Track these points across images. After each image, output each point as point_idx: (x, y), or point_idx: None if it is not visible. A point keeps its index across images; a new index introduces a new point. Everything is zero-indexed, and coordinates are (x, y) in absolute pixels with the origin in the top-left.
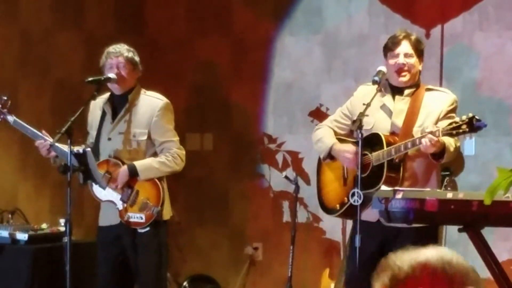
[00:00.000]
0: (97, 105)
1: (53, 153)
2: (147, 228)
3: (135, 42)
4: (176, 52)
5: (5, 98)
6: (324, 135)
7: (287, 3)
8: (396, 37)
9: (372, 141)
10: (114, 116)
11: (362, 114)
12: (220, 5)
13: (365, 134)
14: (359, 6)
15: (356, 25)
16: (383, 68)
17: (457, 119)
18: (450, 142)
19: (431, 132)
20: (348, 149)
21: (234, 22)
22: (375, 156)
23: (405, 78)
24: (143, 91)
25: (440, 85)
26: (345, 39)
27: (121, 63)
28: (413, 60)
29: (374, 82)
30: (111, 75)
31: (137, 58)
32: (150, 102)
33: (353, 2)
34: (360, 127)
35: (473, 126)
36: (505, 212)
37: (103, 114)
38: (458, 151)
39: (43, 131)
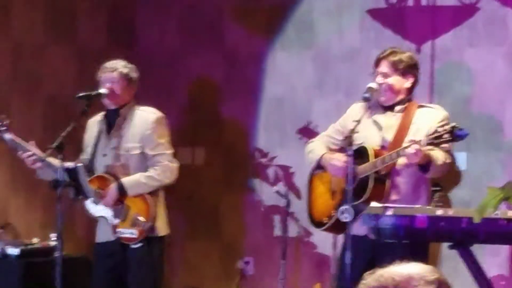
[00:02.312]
0: (94, 122)
1: (38, 164)
2: (140, 244)
3: (127, 57)
4: (168, 66)
5: (4, 116)
6: (316, 147)
7: (279, 18)
8: (377, 57)
9: (360, 154)
10: (109, 132)
11: (352, 131)
12: (211, 20)
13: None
14: (350, 21)
15: (347, 41)
16: (373, 85)
17: (439, 128)
18: (437, 156)
19: (415, 142)
20: (336, 157)
21: (226, 37)
22: (360, 169)
23: (382, 97)
24: (137, 106)
25: (431, 100)
26: (337, 54)
27: (114, 78)
28: (391, 79)
29: (365, 99)
30: (102, 90)
31: (133, 75)
32: (143, 116)
33: (345, 18)
34: (350, 144)
35: (455, 135)
36: (494, 229)
37: (99, 131)
38: (448, 167)
39: (31, 142)
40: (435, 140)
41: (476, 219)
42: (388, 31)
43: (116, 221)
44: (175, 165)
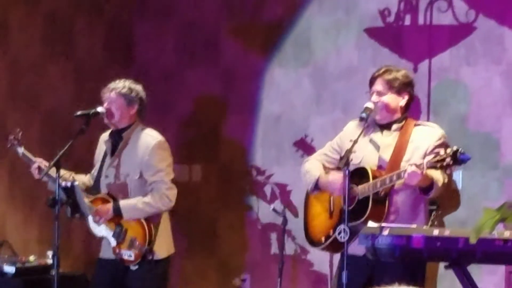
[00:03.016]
0: (103, 139)
1: (44, 178)
2: (137, 266)
3: (124, 73)
4: (165, 83)
5: (18, 129)
6: (312, 167)
7: (276, 35)
8: (372, 76)
9: (359, 175)
10: (112, 153)
11: (349, 151)
12: (209, 37)
13: (352, 169)
14: (347, 39)
15: (344, 58)
16: (370, 105)
17: (442, 152)
18: (438, 177)
19: (416, 165)
20: (335, 177)
21: (223, 54)
22: (360, 189)
23: (378, 116)
24: (140, 127)
25: (428, 118)
26: (334, 72)
27: (112, 98)
28: (386, 97)
29: (361, 119)
30: (100, 109)
31: (135, 94)
32: (144, 140)
33: (342, 35)
34: (347, 164)
35: (458, 159)
36: (491, 249)
37: (106, 150)
38: (446, 186)
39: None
40: (438, 164)
41: (472, 240)
42: (385, 50)
43: (115, 242)
44: (173, 191)
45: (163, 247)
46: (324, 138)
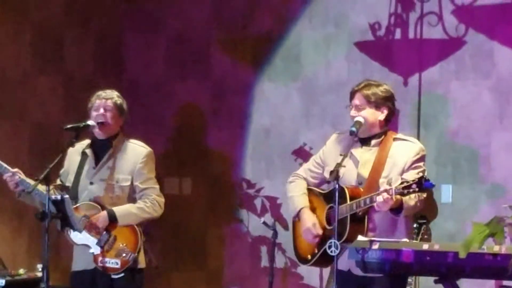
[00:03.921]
0: (76, 151)
1: (20, 188)
2: (122, 274)
3: (114, 85)
4: (154, 95)
5: None
6: (295, 193)
7: (266, 49)
8: (351, 90)
9: (334, 191)
10: (96, 161)
11: (339, 165)
12: (199, 50)
13: (332, 185)
14: (337, 53)
15: (334, 72)
16: (360, 119)
17: (408, 178)
18: (410, 196)
19: (385, 190)
20: (310, 225)
21: (213, 67)
22: (340, 210)
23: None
24: (125, 137)
25: (418, 132)
26: (323, 86)
27: (108, 106)
28: (364, 112)
29: (351, 133)
30: (90, 122)
31: (125, 107)
32: (135, 149)
33: (332, 49)
34: (337, 177)
35: (422, 186)
36: (480, 264)
37: (83, 158)
38: (424, 202)
39: (16, 169)
40: (404, 190)
41: (462, 254)
42: (375, 63)
43: (99, 250)
44: (162, 199)
45: (142, 256)
46: (314, 151)
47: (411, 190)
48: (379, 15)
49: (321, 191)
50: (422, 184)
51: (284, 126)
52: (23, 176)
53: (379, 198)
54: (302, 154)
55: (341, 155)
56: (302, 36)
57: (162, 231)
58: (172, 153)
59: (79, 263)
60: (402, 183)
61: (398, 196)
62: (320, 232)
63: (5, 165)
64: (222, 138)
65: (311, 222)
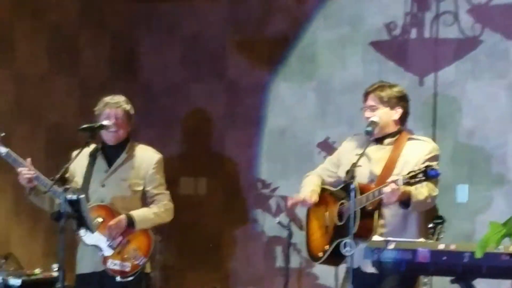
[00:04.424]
0: (82, 154)
1: (32, 184)
2: (130, 278)
3: (129, 87)
4: (170, 97)
5: None
6: (307, 183)
7: (281, 49)
8: (365, 91)
9: (348, 189)
10: (108, 164)
11: (354, 165)
12: (214, 51)
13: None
14: (353, 53)
15: (349, 72)
16: (375, 118)
17: (415, 167)
18: (420, 191)
19: (393, 181)
20: (302, 193)
21: (228, 68)
22: (348, 205)
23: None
24: (135, 142)
25: (433, 133)
26: (339, 86)
27: (119, 114)
28: (379, 111)
29: (367, 133)
30: (105, 122)
31: (132, 112)
32: (147, 155)
33: (347, 49)
34: (353, 177)
35: (428, 174)
36: (497, 264)
37: (91, 161)
38: (435, 199)
39: (28, 159)
40: (411, 180)
41: (478, 254)
42: (391, 63)
43: (111, 252)
44: (172, 206)
45: (148, 262)
46: (337, 145)
47: (417, 179)
48: (395, 14)
49: (333, 187)
50: (428, 173)
51: (299, 127)
52: (38, 172)
53: (387, 189)
54: (327, 148)
55: (356, 155)
56: (317, 37)
57: (177, 231)
58: (188, 154)
59: (86, 265)
60: (409, 173)
61: (407, 188)
62: (315, 199)
63: (21, 160)
64: (237, 139)
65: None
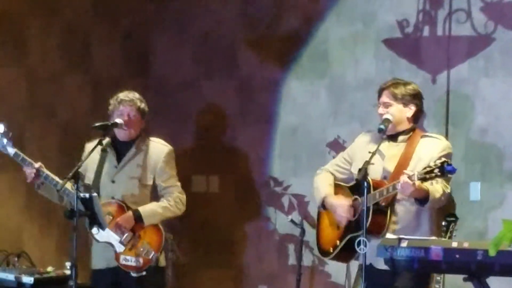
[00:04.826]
0: (95, 150)
1: (38, 180)
2: (143, 273)
3: (141, 84)
4: (182, 94)
5: (6, 129)
6: (321, 183)
7: (293, 47)
8: (379, 88)
9: (362, 186)
10: (118, 159)
11: (367, 163)
12: (226, 48)
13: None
14: (365, 50)
15: (362, 70)
16: (388, 116)
17: (431, 163)
18: (436, 188)
19: (408, 176)
20: (340, 204)
21: (240, 65)
22: (362, 201)
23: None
24: (146, 136)
25: (446, 130)
26: (351, 83)
27: (132, 112)
28: (392, 108)
29: (380, 131)
30: (119, 120)
31: (146, 109)
32: (156, 148)
33: (359, 47)
34: (365, 175)
35: (444, 170)
36: (510, 262)
37: (103, 156)
38: (448, 196)
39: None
40: (427, 175)
41: (492, 252)
42: (403, 61)
43: (122, 248)
44: (184, 197)
45: (163, 255)
46: (347, 145)
47: (433, 174)
48: (407, 12)
49: (346, 184)
50: (444, 168)
51: (312, 124)
52: (46, 171)
53: (401, 180)
54: (336, 147)
55: (369, 152)
56: (329, 34)
57: (189, 229)
58: (200, 151)
59: (100, 261)
60: (424, 168)
61: (424, 186)
62: (351, 216)
63: (29, 160)
64: (250, 136)
65: (338, 200)
